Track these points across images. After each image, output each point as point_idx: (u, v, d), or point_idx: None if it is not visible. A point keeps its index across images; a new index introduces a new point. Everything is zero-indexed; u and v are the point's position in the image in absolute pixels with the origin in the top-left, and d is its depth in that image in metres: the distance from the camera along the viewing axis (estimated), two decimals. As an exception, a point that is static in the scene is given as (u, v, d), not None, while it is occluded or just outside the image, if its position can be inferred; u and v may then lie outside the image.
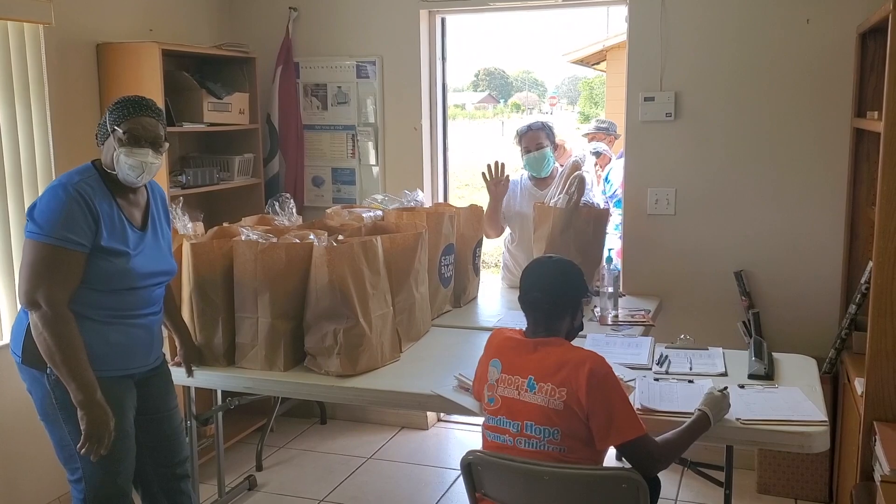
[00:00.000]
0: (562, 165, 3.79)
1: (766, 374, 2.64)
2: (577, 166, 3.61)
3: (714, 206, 3.68)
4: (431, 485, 3.73)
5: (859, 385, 2.76)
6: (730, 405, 2.28)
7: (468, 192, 11.77)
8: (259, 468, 3.92)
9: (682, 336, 3.00)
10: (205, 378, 2.87)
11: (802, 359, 2.86)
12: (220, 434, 3.50)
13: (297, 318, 2.83)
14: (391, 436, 4.28)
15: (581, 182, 3.50)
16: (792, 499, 3.50)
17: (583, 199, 3.53)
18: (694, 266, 3.72)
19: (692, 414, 2.23)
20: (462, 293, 3.63)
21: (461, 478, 2.19)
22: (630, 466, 2.09)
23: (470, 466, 2.12)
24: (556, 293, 2.25)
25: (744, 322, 3.65)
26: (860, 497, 2.53)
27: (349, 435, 4.30)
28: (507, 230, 4.02)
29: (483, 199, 3.94)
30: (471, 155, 13.93)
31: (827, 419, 2.27)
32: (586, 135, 5.96)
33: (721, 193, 3.67)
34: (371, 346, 2.78)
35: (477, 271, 3.78)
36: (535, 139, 3.82)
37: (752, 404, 2.39)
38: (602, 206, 3.61)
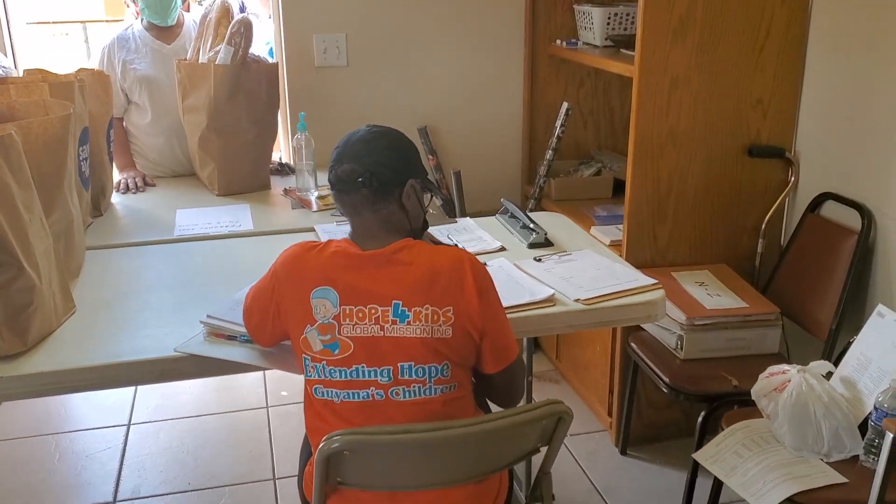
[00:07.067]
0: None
1: (547, 241, 2.33)
2: (226, 8, 2.76)
3: (390, 54, 3.16)
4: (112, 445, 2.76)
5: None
6: None
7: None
8: None
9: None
10: None
11: (550, 216, 2.63)
12: None
13: None
14: None
15: (249, 27, 2.67)
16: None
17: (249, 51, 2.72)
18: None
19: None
20: (101, 196, 2.60)
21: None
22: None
23: (329, 459, 1.42)
24: (391, 168, 1.55)
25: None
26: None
27: None
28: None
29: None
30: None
31: (655, 280, 2.05)
32: None
33: (397, 38, 3.15)
34: (43, 300, 1.76)
35: (112, 161, 2.74)
36: None
37: (570, 279, 2.07)
38: (271, 61, 2.83)
